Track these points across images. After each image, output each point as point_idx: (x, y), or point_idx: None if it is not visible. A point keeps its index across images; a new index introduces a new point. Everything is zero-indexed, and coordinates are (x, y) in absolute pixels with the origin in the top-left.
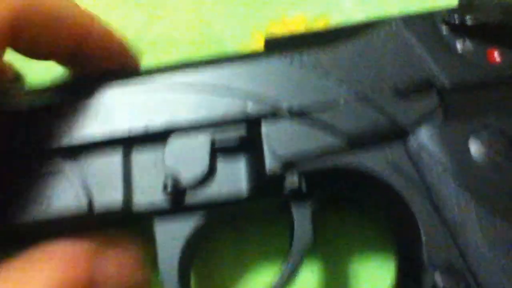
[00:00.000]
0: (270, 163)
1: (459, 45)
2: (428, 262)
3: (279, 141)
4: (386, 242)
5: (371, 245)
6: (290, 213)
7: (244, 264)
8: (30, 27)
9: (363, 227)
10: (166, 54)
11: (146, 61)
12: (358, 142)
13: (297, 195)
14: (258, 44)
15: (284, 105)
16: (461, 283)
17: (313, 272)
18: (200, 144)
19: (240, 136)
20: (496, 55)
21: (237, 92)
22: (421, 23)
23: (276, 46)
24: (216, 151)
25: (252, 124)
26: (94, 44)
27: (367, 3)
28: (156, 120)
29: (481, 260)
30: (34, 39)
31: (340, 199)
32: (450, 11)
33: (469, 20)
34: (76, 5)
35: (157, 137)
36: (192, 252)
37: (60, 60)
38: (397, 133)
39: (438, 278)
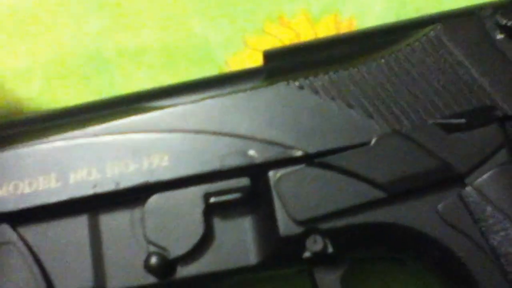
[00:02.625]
0: (283, 222)
1: None
2: None
3: (294, 194)
4: None
5: None
6: (313, 279)
7: None
8: None
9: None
10: (132, 69)
11: (108, 78)
12: (397, 191)
13: (322, 259)
14: (253, 51)
15: (298, 148)
16: None
17: None
18: (190, 201)
19: (242, 188)
20: None
21: (234, 132)
22: (467, 28)
23: (278, 59)
24: (212, 209)
25: (257, 173)
26: None
27: None
28: (129, 173)
29: None
30: None
31: (377, 258)
32: (500, 9)
33: None
34: None
35: (132, 195)
36: None
37: None
38: (450, 179)
39: None
